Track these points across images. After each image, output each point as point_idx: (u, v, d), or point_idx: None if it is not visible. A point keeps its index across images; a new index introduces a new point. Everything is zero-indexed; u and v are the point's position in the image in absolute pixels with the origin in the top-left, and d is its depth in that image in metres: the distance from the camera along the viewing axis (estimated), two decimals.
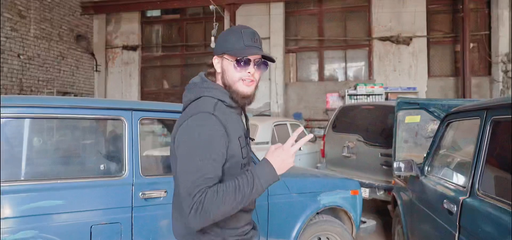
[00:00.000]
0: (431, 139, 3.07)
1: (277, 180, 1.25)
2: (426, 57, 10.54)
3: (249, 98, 1.37)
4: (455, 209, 2.09)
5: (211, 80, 1.41)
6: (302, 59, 11.68)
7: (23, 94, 9.24)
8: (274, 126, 6.28)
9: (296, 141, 1.30)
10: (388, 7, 10.66)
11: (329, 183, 3.36)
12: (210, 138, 1.23)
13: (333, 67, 11.51)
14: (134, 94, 12.36)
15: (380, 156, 4.96)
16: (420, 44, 10.51)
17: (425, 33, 10.49)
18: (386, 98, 9.66)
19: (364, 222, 3.73)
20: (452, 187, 2.35)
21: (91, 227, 2.21)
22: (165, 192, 2.45)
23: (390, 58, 10.71)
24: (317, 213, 3.21)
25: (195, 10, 12.24)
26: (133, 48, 12.37)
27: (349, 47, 11.26)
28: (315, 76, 11.57)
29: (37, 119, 2.31)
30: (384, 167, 4.87)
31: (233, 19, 10.69)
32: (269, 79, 10.99)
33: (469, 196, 2.02)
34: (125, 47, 12.38)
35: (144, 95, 12.41)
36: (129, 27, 12.41)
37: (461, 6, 10.02)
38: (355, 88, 10.00)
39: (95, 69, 12.18)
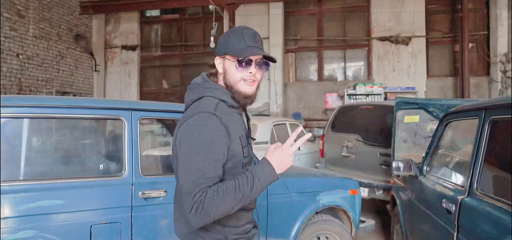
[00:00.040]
0: (430, 139, 3.09)
1: (277, 179, 1.27)
2: (425, 57, 10.57)
3: (251, 98, 1.38)
4: (454, 208, 2.09)
5: (213, 81, 1.42)
6: (302, 59, 11.69)
7: (22, 94, 9.23)
8: (273, 125, 6.28)
9: (295, 141, 1.31)
10: (387, 7, 10.68)
11: (328, 183, 3.37)
12: (211, 138, 1.25)
13: (332, 67, 11.52)
14: (133, 94, 12.35)
15: (379, 155, 4.97)
16: (419, 44, 10.53)
17: (424, 33, 10.51)
18: (385, 98, 9.68)
19: (363, 222, 3.74)
20: (450, 186, 2.36)
21: (91, 226, 2.21)
22: (165, 191, 2.45)
23: (389, 58, 10.72)
24: (317, 213, 3.22)
25: (194, 10, 12.23)
26: (132, 48, 12.36)
27: (348, 47, 11.28)
28: (314, 76, 11.58)
29: (37, 119, 2.31)
30: (383, 166, 4.88)
31: (232, 19, 10.69)
32: (268, 79, 11.00)
33: (468, 195, 2.03)
34: (124, 47, 12.37)
35: (143, 95, 12.41)
36: (128, 27, 12.40)
37: (460, 6, 10.04)
38: (354, 88, 10.01)
39: (94, 69, 12.17)
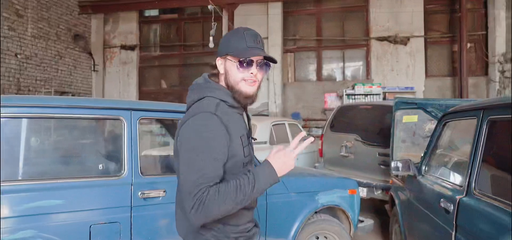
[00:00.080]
0: (429, 139, 3.10)
1: (278, 182, 1.30)
2: (424, 57, 10.58)
3: (251, 98, 1.40)
4: (452, 208, 2.11)
5: (214, 81, 1.44)
6: (300, 59, 11.70)
7: (21, 94, 9.22)
8: (272, 125, 6.29)
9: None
10: (386, 7, 10.70)
11: (327, 183, 3.37)
12: (211, 138, 1.26)
13: (331, 67, 11.53)
14: (132, 94, 12.34)
15: (378, 155, 4.98)
16: (418, 44, 10.55)
17: (423, 33, 10.53)
18: (384, 98, 9.71)
19: (362, 221, 3.75)
20: (449, 186, 2.37)
21: (90, 226, 2.21)
22: (164, 191, 2.46)
23: (388, 58, 10.74)
24: (315, 212, 3.23)
25: (193, 10, 12.22)
26: (131, 48, 12.35)
27: (347, 47, 11.29)
28: (313, 76, 11.59)
29: (37, 119, 2.31)
30: (381, 166, 4.89)
31: (231, 19, 10.68)
32: (267, 79, 10.99)
33: (466, 195, 2.04)
34: (123, 47, 12.36)
35: (142, 95, 12.39)
36: (127, 27, 12.38)
37: (458, 6, 10.06)
38: (353, 88, 10.03)
39: (93, 69, 12.15)
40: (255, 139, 1.56)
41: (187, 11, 12.34)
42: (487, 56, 10.22)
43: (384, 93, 9.93)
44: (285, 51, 11.48)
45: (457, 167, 2.56)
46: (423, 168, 2.95)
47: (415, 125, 4.40)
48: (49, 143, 2.60)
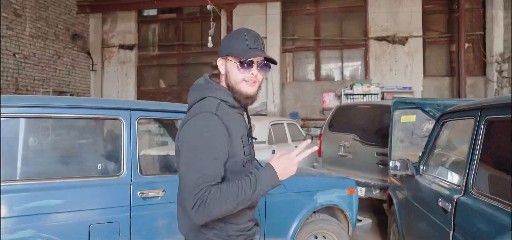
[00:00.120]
0: (427, 138, 3.11)
1: (279, 185, 1.31)
2: (422, 57, 10.61)
3: (252, 98, 1.42)
4: (450, 207, 2.12)
5: (215, 82, 1.45)
6: (299, 59, 11.71)
7: (19, 93, 9.20)
8: (271, 125, 6.29)
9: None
10: (385, 7, 10.72)
11: (326, 182, 3.38)
12: (212, 138, 1.27)
13: (330, 67, 11.55)
14: (131, 93, 12.32)
15: (376, 155, 5.00)
16: (416, 44, 10.57)
17: (421, 33, 10.56)
18: (382, 98, 9.72)
19: (360, 221, 3.76)
20: (447, 185, 2.38)
21: (89, 226, 2.21)
22: (163, 191, 2.46)
23: (386, 58, 10.77)
24: (314, 212, 3.23)
25: (192, 10, 12.22)
26: (130, 48, 12.33)
27: (345, 47, 11.31)
28: (311, 76, 11.60)
29: (36, 119, 2.31)
30: (380, 166, 4.91)
31: (230, 19, 10.69)
32: (266, 78, 10.99)
33: (464, 194, 2.05)
34: (122, 46, 12.34)
35: (140, 95, 12.38)
36: (125, 26, 12.37)
37: (456, 6, 10.09)
38: (352, 88, 10.05)
39: (91, 68, 12.13)
40: (255, 139, 1.57)
41: (185, 11, 12.33)
42: (485, 56, 10.25)
43: (383, 93, 9.95)
44: (284, 51, 11.49)
45: (455, 167, 2.57)
46: (421, 167, 2.97)
47: (413, 125, 4.41)
48: (48, 143, 2.60)
